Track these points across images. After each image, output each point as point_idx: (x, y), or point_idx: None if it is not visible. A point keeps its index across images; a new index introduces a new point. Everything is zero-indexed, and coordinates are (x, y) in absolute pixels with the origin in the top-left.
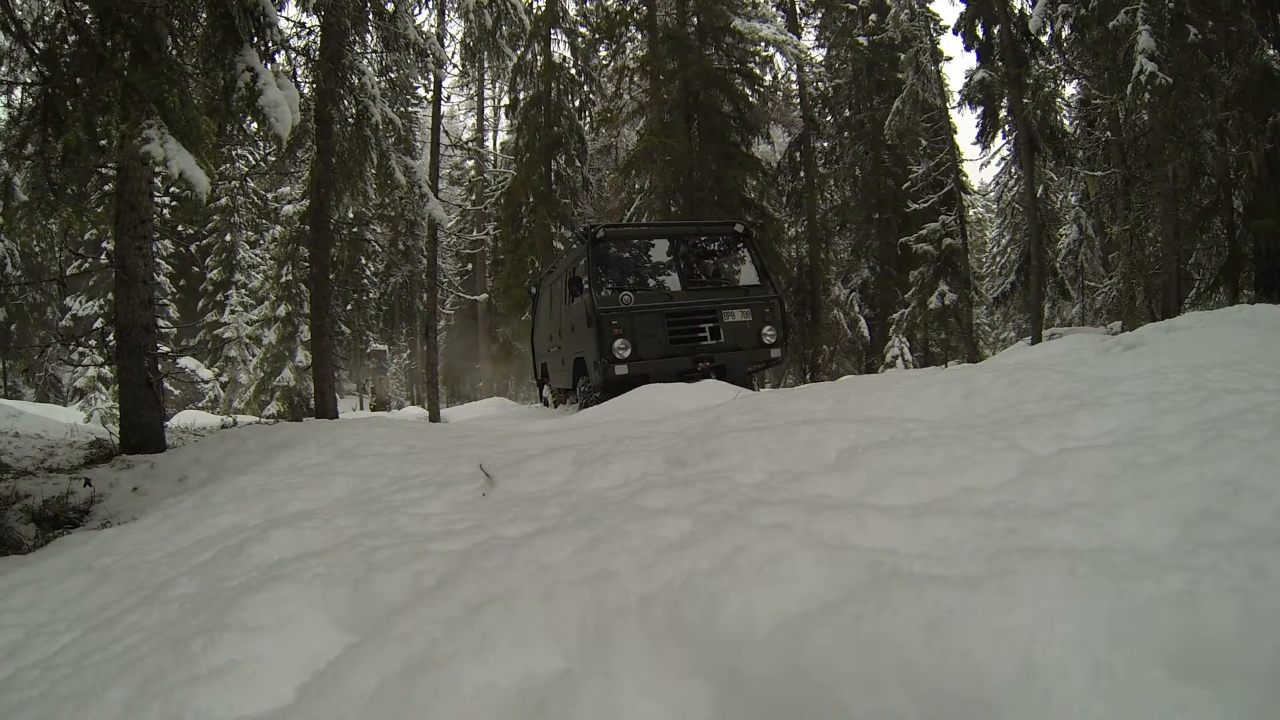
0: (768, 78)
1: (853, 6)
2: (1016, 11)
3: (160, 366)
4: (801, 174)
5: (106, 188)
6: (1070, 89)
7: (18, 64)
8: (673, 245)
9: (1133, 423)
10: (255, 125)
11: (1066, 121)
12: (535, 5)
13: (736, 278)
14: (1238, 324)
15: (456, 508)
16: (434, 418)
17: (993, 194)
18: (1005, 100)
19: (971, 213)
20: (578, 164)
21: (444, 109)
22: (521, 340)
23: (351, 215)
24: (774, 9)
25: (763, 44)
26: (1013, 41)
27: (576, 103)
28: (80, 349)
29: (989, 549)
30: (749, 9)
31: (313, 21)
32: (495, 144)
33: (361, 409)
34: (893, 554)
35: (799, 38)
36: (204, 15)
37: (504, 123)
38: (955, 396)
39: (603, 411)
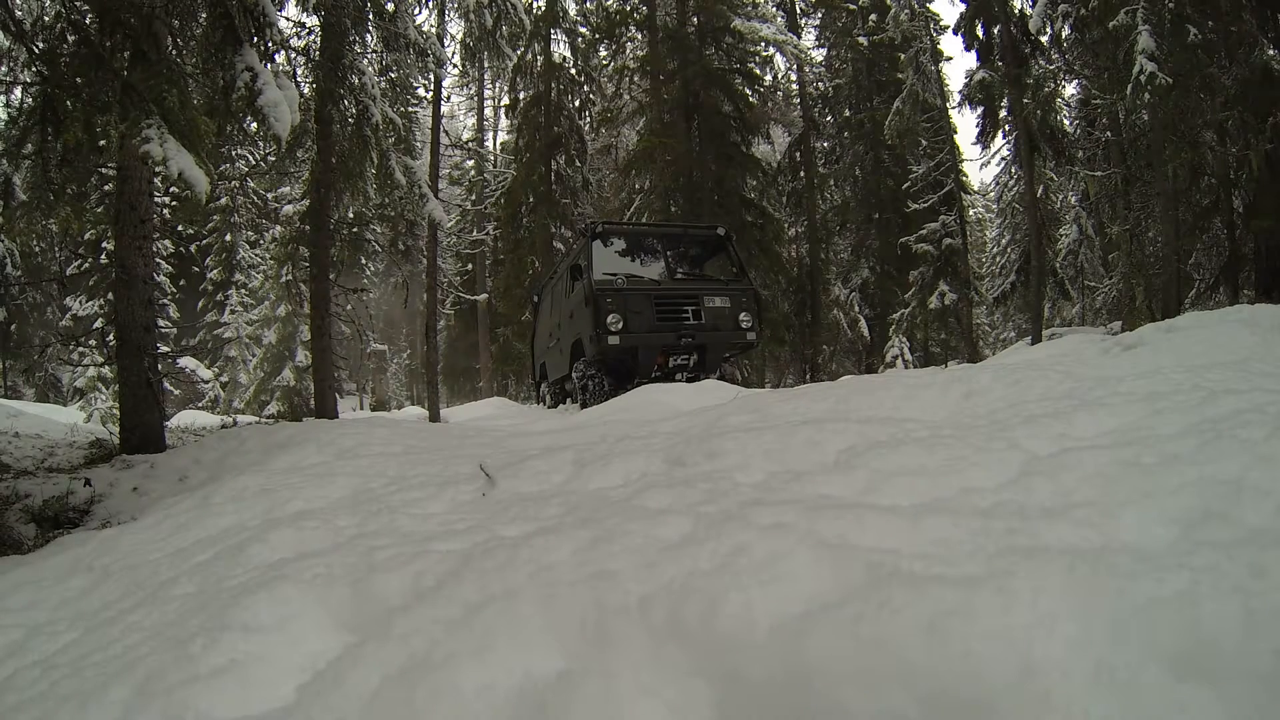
0: (768, 78)
1: (853, 6)
2: (1016, 11)
3: (160, 366)
4: (801, 174)
5: (106, 188)
6: (1070, 89)
7: (18, 64)
8: (663, 242)
9: (1133, 423)
10: (255, 125)
11: (1066, 121)
12: (535, 5)
13: (717, 273)
14: (1238, 324)
15: (456, 508)
16: (434, 418)
17: (993, 194)
18: (1005, 100)
19: (971, 213)
20: (578, 164)
21: (444, 109)
22: (521, 340)
23: (351, 215)
24: (774, 9)
25: (763, 44)
26: (1013, 41)
27: (576, 103)
28: (80, 349)
29: (989, 549)
30: (749, 9)
31: (313, 21)
32: (495, 144)
33: (361, 409)
34: (893, 554)
35: (799, 38)
36: (204, 15)
37: (504, 123)
38: (955, 396)
39: (603, 411)
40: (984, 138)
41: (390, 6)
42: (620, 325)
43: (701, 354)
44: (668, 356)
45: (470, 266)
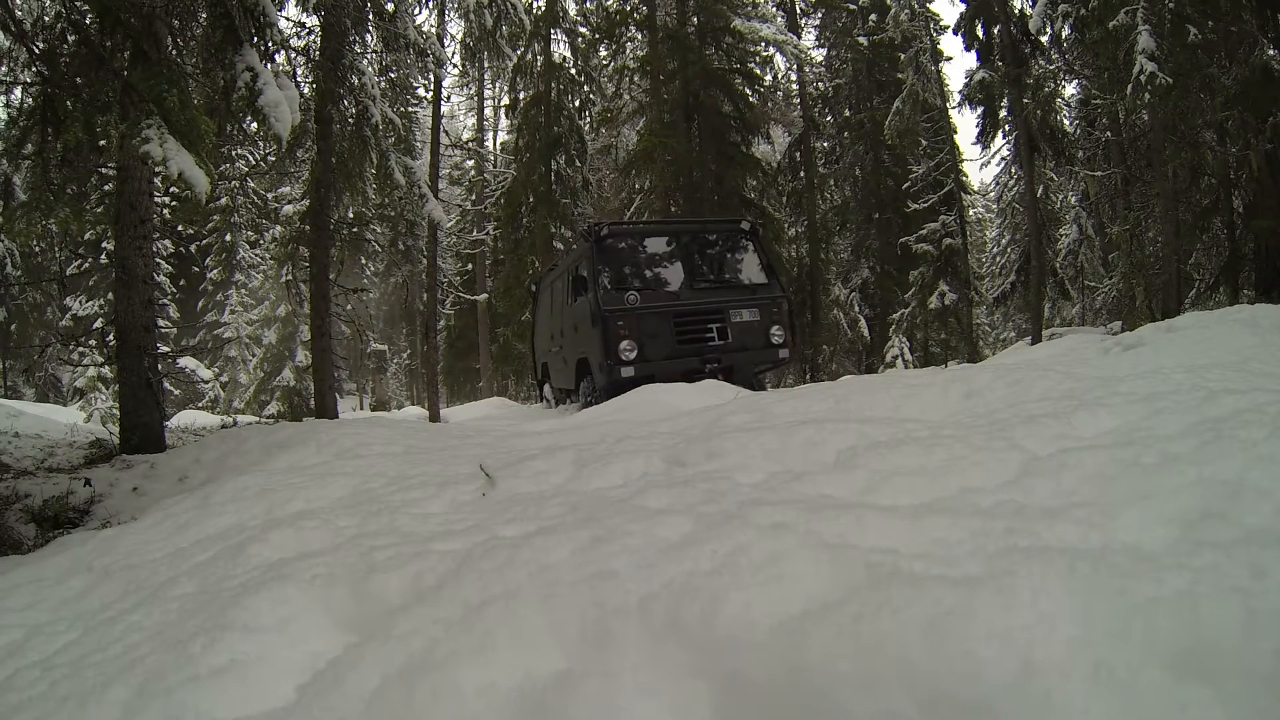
0: (768, 78)
1: (853, 6)
2: (1016, 11)
3: (160, 366)
4: (801, 174)
5: (106, 188)
6: (1070, 89)
7: (18, 64)
8: (678, 243)
9: (1133, 423)
10: (255, 125)
11: (1066, 121)
12: (535, 5)
13: (743, 276)
14: (1238, 324)
15: (456, 508)
16: (434, 418)
17: (993, 194)
18: (1005, 100)
19: (971, 213)
20: (578, 164)
21: (444, 109)
22: (521, 340)
23: (351, 215)
24: (774, 9)
25: (763, 44)
26: (1013, 41)
27: (576, 103)
28: (80, 349)
29: (989, 549)
30: (749, 9)
31: (313, 21)
32: (495, 144)
33: (361, 409)
34: (893, 554)
35: (799, 38)
36: (204, 15)
37: (504, 123)
38: (955, 396)
39: (603, 411)
40: (984, 138)
41: (390, 6)
42: (635, 353)
43: (728, 377)
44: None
45: (470, 266)
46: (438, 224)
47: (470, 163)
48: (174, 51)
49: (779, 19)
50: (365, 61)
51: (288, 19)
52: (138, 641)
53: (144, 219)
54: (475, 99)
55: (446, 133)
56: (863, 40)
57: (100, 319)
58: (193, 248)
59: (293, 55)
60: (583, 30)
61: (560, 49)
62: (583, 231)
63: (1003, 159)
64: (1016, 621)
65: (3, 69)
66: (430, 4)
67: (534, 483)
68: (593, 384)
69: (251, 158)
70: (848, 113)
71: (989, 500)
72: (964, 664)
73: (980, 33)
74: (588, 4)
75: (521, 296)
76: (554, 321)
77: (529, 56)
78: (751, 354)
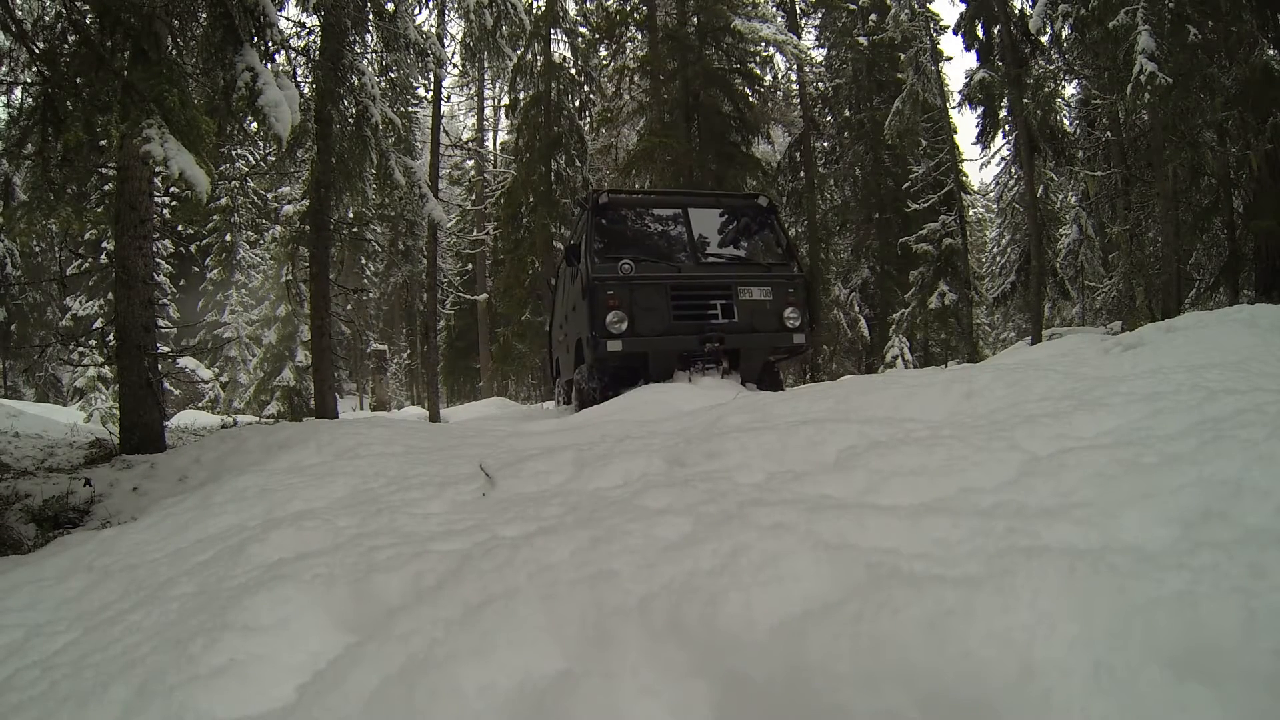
0: (768, 78)
1: (853, 6)
2: (1016, 11)
3: (160, 366)
4: (801, 174)
5: (106, 188)
6: (1070, 89)
7: (18, 64)
8: (686, 216)
9: (1133, 423)
10: (255, 125)
11: (1066, 121)
12: (535, 5)
13: (756, 255)
14: (1238, 324)
15: (456, 508)
16: (434, 418)
17: (993, 194)
18: (1005, 100)
19: (971, 213)
20: (578, 164)
21: (444, 109)
22: (522, 340)
23: (351, 215)
24: (774, 9)
25: (763, 44)
26: (1013, 41)
27: (576, 103)
28: (80, 349)
29: (989, 549)
30: (749, 9)
31: (313, 21)
32: (495, 144)
33: (361, 409)
34: (893, 554)
35: (799, 38)
36: (204, 15)
37: (504, 123)
38: (955, 396)
39: (603, 411)
40: (984, 138)
41: (390, 6)
42: (624, 326)
43: (734, 361)
44: (689, 365)
45: (470, 266)
46: (438, 224)
47: (470, 163)
48: (174, 51)
49: (779, 19)
50: (365, 61)
51: (288, 19)
52: (138, 641)
53: (144, 219)
54: (475, 99)
55: (446, 133)
56: (863, 40)
57: (100, 319)
58: (193, 248)
59: (293, 55)
60: (583, 30)
61: (560, 49)
62: (580, 199)
63: (1003, 159)
64: (1016, 621)
65: (3, 69)
66: (430, 4)
67: (534, 483)
68: (584, 368)
69: (251, 158)
70: (848, 113)
71: (989, 500)
72: (964, 664)
73: (980, 33)
74: (588, 4)
75: (522, 297)
76: (562, 308)
77: (529, 56)
78: (761, 336)
